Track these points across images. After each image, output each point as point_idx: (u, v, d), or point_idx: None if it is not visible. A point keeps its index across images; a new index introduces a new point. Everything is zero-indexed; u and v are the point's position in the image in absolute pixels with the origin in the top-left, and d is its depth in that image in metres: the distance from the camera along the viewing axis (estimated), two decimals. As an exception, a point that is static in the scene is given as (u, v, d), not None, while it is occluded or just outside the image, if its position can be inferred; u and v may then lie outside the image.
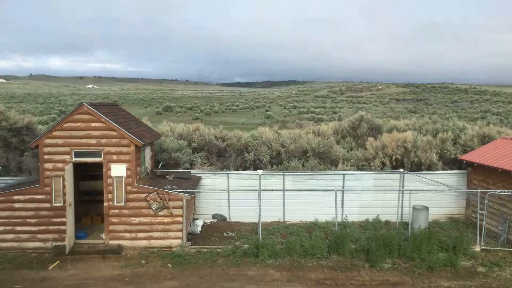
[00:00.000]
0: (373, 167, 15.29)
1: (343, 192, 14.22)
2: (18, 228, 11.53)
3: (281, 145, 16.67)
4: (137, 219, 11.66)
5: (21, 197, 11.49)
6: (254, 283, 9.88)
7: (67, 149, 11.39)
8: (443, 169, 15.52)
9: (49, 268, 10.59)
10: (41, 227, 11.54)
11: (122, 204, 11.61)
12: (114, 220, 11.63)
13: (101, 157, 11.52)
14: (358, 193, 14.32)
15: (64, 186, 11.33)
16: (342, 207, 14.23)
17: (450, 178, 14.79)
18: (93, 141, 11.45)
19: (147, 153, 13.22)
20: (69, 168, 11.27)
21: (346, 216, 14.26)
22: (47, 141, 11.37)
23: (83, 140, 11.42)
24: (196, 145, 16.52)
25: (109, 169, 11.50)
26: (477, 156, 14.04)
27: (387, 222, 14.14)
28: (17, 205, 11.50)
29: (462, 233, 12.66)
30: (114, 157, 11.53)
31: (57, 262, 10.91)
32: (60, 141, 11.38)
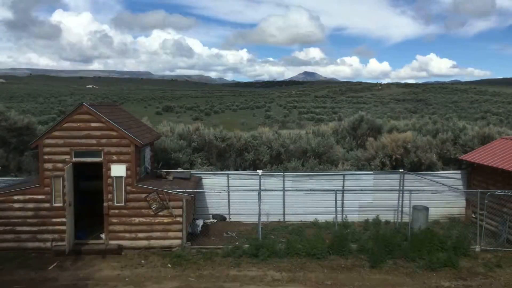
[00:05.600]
0: (373, 167, 15.28)
1: (343, 192, 14.22)
2: (18, 228, 11.50)
3: (281, 145, 16.66)
4: (137, 219, 11.65)
5: (21, 197, 11.47)
6: (254, 283, 9.87)
7: (67, 149, 11.37)
8: (443, 169, 15.51)
9: (49, 268, 10.58)
10: (41, 227, 11.51)
11: (122, 204, 11.59)
12: (114, 220, 11.62)
13: (101, 157, 11.50)
14: (358, 193, 14.31)
15: (64, 186, 11.32)
16: (342, 207, 14.22)
17: (450, 178, 14.78)
18: (93, 141, 11.44)
19: (147, 153, 13.21)
20: (69, 168, 11.26)
21: (346, 216, 14.26)
22: (47, 141, 11.35)
23: (83, 140, 11.41)
24: (196, 145, 16.50)
25: (109, 169, 11.49)
26: (477, 156, 14.03)
27: (387, 222, 14.13)
28: (17, 205, 11.47)
29: (462, 233, 12.65)
30: (114, 157, 11.52)
31: (57, 262, 10.90)
32: (60, 141, 11.36)
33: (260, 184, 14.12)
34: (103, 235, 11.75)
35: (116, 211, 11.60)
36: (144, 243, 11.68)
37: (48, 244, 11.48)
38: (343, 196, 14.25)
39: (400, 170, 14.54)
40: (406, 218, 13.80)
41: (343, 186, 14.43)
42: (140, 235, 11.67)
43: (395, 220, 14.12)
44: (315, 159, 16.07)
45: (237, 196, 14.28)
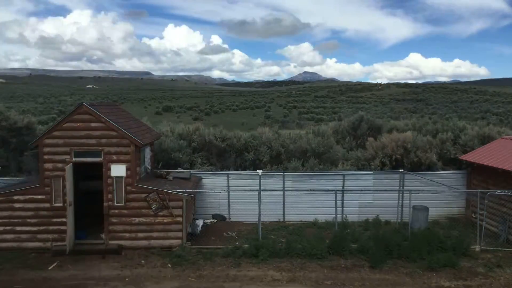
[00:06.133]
0: (373, 167, 15.28)
1: (343, 192, 14.21)
2: (18, 228, 11.51)
3: (281, 145, 16.66)
4: (137, 219, 11.65)
5: (21, 197, 11.48)
6: (254, 283, 9.87)
7: (67, 149, 11.37)
8: (443, 169, 15.52)
9: (49, 268, 10.58)
10: (41, 227, 11.52)
11: (122, 204, 11.59)
12: (114, 220, 11.62)
13: (101, 157, 11.50)
14: (358, 193, 14.31)
15: (64, 186, 11.32)
16: (342, 207, 14.22)
17: (450, 178, 14.79)
18: (93, 141, 11.44)
19: (147, 153, 13.21)
20: (69, 168, 11.26)
21: (346, 216, 14.25)
22: (47, 141, 11.35)
23: (83, 140, 11.41)
24: (196, 145, 16.50)
25: (109, 169, 11.48)
26: (477, 156, 14.03)
27: (387, 222, 14.12)
28: (17, 205, 11.47)
29: (462, 233, 12.66)
30: (114, 157, 11.52)
31: (57, 262, 10.90)
32: (60, 141, 11.36)
33: (260, 184, 14.12)
34: (103, 235, 11.75)
35: (116, 211, 11.60)
36: (144, 243, 11.68)
37: (48, 244, 11.48)
38: (343, 196, 14.24)
39: (400, 170, 14.54)
40: (406, 218, 13.81)
41: (343, 186, 14.43)
42: (140, 235, 11.67)
43: (395, 220, 14.13)
44: (315, 159, 16.07)
45: (237, 196, 14.28)
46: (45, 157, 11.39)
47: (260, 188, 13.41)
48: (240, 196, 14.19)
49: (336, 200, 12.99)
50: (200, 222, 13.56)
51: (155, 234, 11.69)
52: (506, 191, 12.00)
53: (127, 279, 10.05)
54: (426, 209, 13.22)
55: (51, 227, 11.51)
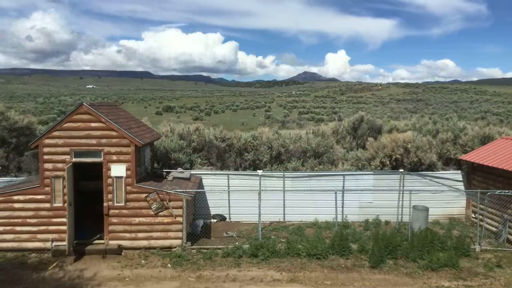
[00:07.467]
0: (373, 167, 15.29)
1: (343, 192, 14.21)
2: (18, 228, 11.50)
3: (281, 145, 16.67)
4: (137, 219, 11.65)
5: (21, 197, 11.47)
6: (254, 283, 9.87)
7: (67, 149, 11.37)
8: (443, 169, 15.53)
9: (49, 268, 10.58)
10: (41, 227, 11.50)
11: (122, 204, 11.59)
12: (114, 220, 11.62)
13: (101, 157, 11.50)
14: (358, 193, 14.31)
15: (64, 186, 11.31)
16: (342, 207, 14.21)
17: (450, 178, 14.79)
18: (93, 141, 11.43)
19: (147, 153, 13.21)
20: (69, 168, 11.26)
21: (346, 216, 14.26)
22: (47, 141, 11.34)
23: (83, 140, 11.40)
24: (196, 145, 16.51)
25: (109, 169, 11.48)
26: (477, 156, 14.04)
27: (387, 222, 14.13)
28: (17, 205, 11.47)
29: (462, 233, 12.65)
30: (114, 157, 11.52)
31: (57, 262, 10.91)
32: (60, 141, 11.36)
33: (260, 184, 14.13)
34: (103, 235, 11.75)
35: (116, 211, 11.60)
36: (144, 243, 11.67)
37: (48, 244, 11.47)
38: (343, 196, 14.24)
39: (400, 170, 14.54)
40: (406, 218, 13.81)
41: (343, 186, 14.42)
42: (140, 235, 11.67)
43: (395, 220, 14.13)
44: (315, 159, 16.08)
45: (237, 196, 14.28)
46: (45, 157, 11.38)
47: (260, 188, 13.41)
48: (240, 196, 14.19)
49: (336, 200, 12.98)
50: (200, 222, 13.56)
51: (155, 234, 11.69)
52: (506, 191, 12.00)
53: (127, 279, 10.05)
54: (426, 209, 13.21)
55: (51, 227, 11.49)
